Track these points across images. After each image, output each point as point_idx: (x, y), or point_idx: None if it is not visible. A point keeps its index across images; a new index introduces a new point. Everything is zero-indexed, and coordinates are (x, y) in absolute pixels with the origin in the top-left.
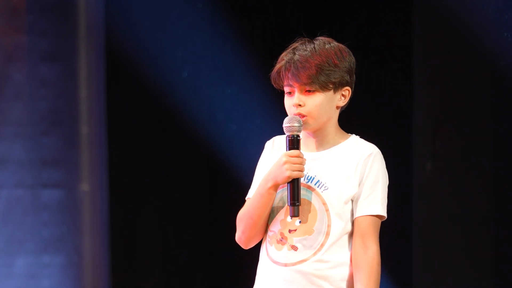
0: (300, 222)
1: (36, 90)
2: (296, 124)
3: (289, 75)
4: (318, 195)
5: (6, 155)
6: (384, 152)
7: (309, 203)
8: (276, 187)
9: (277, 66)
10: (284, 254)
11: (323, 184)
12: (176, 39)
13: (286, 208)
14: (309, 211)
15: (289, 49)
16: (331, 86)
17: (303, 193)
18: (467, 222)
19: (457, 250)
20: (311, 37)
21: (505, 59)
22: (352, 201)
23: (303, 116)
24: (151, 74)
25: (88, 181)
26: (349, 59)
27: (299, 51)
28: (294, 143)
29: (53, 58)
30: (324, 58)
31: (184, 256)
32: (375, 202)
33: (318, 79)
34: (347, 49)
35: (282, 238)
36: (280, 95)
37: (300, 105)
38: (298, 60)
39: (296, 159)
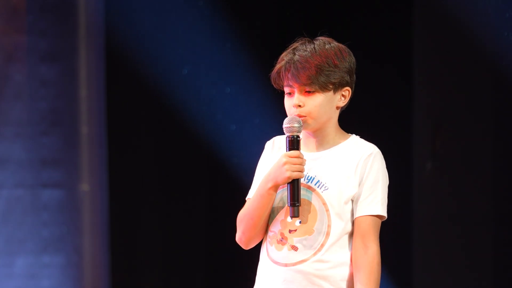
0: (300, 222)
1: (36, 90)
2: (296, 125)
3: (289, 76)
4: (318, 195)
5: (6, 155)
6: (384, 152)
7: (309, 203)
8: (276, 187)
9: (277, 66)
10: (284, 254)
11: (323, 184)
12: (176, 39)
13: (286, 208)
14: (309, 211)
15: (289, 49)
16: (331, 86)
17: (303, 193)
18: (467, 222)
19: (457, 250)
20: (311, 37)
21: (505, 59)
22: (352, 201)
23: (303, 116)
24: (151, 74)
25: (88, 181)
26: (349, 59)
27: (299, 51)
28: (294, 143)
29: (53, 58)
30: (324, 58)
31: (184, 256)
32: (375, 202)
33: (318, 80)
34: (347, 49)
35: (282, 238)
36: (280, 95)
37: (300, 105)
38: (298, 60)
39: (296, 160)
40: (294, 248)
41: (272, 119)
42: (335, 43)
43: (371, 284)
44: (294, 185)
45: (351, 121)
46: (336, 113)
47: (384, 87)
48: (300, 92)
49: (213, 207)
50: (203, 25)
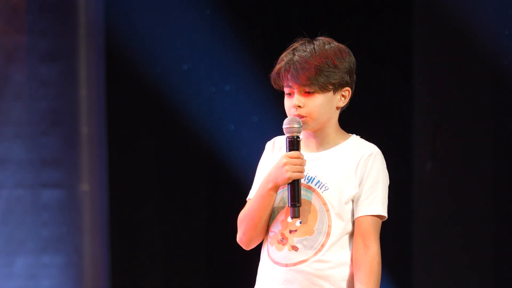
0: (300, 222)
1: (36, 90)
2: (296, 125)
3: (289, 76)
4: (318, 195)
5: (6, 155)
6: (384, 152)
7: (310, 203)
8: (276, 188)
9: (277, 67)
10: (284, 254)
11: (324, 185)
12: (176, 39)
13: (287, 208)
14: (310, 212)
15: (289, 50)
16: (330, 87)
17: (303, 193)
18: (467, 222)
19: (457, 250)
20: (311, 37)
21: (505, 58)
22: (353, 201)
23: (303, 117)
24: (151, 74)
25: (88, 181)
26: (349, 60)
27: (299, 52)
28: (294, 144)
29: (53, 58)
30: (323, 59)
31: (184, 256)
32: (376, 202)
33: (318, 81)
34: (347, 49)
35: (282, 238)
36: (281, 94)
37: (299, 106)
38: (297, 61)
39: (296, 160)
40: (295, 248)
41: (272, 119)
42: (335, 43)
43: (371, 284)
44: (294, 186)
45: (351, 121)
46: (336, 113)
47: (384, 87)
48: (300, 92)
49: (213, 207)
50: (203, 25)
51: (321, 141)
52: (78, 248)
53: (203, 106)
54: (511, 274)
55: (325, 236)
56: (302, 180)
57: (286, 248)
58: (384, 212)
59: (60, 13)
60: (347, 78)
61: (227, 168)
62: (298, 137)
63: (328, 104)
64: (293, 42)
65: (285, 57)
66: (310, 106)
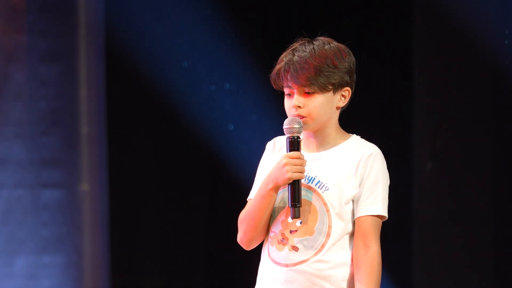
0: (301, 223)
1: (36, 90)
2: (296, 126)
3: (288, 77)
4: (318, 195)
5: (6, 155)
6: (384, 152)
7: (310, 203)
8: (276, 188)
9: (277, 67)
10: (285, 254)
11: (324, 185)
12: (176, 39)
13: (287, 209)
14: (310, 212)
15: (289, 50)
16: (330, 87)
17: (303, 193)
18: (467, 222)
19: (457, 250)
20: (311, 37)
21: (506, 58)
22: (353, 201)
23: (303, 117)
24: (151, 74)
25: (88, 181)
26: (349, 60)
27: (298, 52)
28: (294, 144)
29: (53, 58)
30: (323, 59)
31: (184, 256)
32: (376, 202)
33: (317, 81)
34: (347, 49)
35: (283, 238)
36: (280, 94)
37: (299, 106)
38: (297, 61)
39: (296, 161)
40: (295, 248)
41: (272, 119)
42: (334, 43)
43: (372, 284)
44: (294, 186)
45: (351, 121)
46: (336, 113)
47: (384, 87)
48: (300, 93)
49: (213, 207)
50: (203, 25)
51: (322, 141)
52: (78, 248)
53: (203, 106)
54: (511, 274)
55: (325, 236)
56: (303, 180)
57: (286, 248)
58: (384, 212)
59: (60, 13)
60: (347, 78)
61: (227, 168)
62: (298, 137)
63: (328, 104)
64: (293, 42)
65: (284, 57)
66: (310, 107)
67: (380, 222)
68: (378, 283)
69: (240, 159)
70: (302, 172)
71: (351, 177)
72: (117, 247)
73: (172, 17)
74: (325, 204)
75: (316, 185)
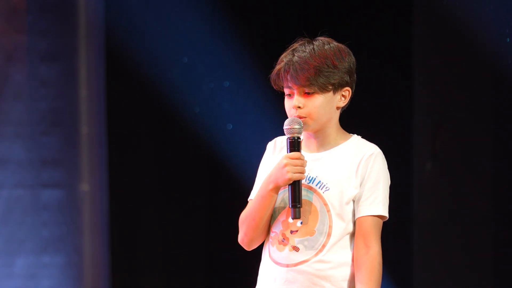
0: (301, 223)
1: (36, 90)
2: (297, 126)
3: (288, 77)
4: (319, 196)
5: (6, 155)
6: (384, 152)
7: (311, 204)
8: (277, 189)
9: (277, 67)
10: (285, 254)
11: (324, 185)
12: (176, 39)
13: (288, 209)
14: (310, 212)
15: (289, 50)
16: (330, 87)
17: (304, 194)
18: (467, 222)
19: (457, 250)
20: (311, 37)
21: (506, 58)
22: (354, 201)
23: (303, 117)
24: (151, 74)
25: (88, 181)
26: (349, 60)
27: (298, 52)
28: (294, 145)
29: (53, 58)
30: (323, 59)
31: (184, 256)
32: (377, 202)
33: (317, 81)
34: (347, 49)
35: (283, 239)
36: (279, 94)
37: (299, 107)
38: (296, 62)
39: (297, 161)
40: (296, 248)
41: (272, 118)
42: (334, 43)
43: (372, 284)
44: (295, 187)
45: (351, 121)
46: (337, 114)
47: (384, 87)
48: (300, 93)
49: (213, 207)
50: (203, 25)
51: (322, 141)
52: (78, 248)
53: (203, 105)
54: (511, 274)
55: (326, 236)
56: (303, 181)
57: (287, 249)
58: (385, 212)
59: (60, 13)
60: (347, 78)
61: (227, 168)
62: (299, 138)
63: (328, 104)
64: (293, 43)
65: (284, 57)
66: (310, 107)
67: (380, 222)
68: (378, 283)
69: (240, 159)
70: (302, 172)
71: (351, 177)
72: (117, 247)
73: (172, 17)
74: (325, 204)
75: (316, 185)
